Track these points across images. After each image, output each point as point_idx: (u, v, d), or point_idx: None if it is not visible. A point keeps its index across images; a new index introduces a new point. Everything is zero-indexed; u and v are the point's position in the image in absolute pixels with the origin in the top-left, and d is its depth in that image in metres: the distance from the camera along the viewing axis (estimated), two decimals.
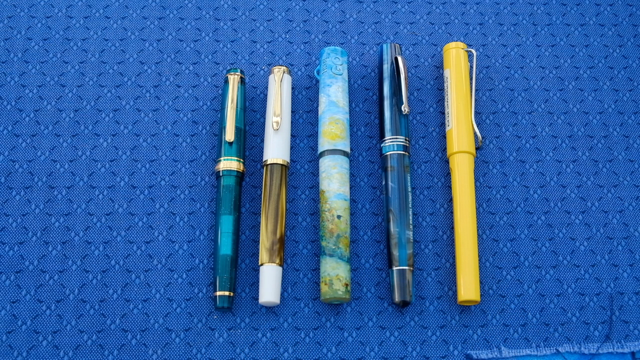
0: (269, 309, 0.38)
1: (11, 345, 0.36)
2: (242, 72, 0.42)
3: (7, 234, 0.39)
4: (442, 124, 0.44)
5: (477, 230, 0.40)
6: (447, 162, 0.42)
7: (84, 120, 0.42)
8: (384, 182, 0.40)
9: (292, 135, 0.43)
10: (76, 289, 0.38)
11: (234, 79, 0.42)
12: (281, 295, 0.38)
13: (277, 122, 0.41)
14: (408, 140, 0.41)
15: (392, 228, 0.39)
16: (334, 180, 0.39)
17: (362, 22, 0.47)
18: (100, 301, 0.37)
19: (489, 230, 0.41)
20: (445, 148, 0.43)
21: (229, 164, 0.39)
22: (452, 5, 0.48)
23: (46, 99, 0.43)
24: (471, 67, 0.45)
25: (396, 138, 0.41)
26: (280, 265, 0.37)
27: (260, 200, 0.40)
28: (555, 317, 0.39)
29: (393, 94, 0.42)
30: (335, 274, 0.37)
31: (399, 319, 0.38)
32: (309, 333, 0.37)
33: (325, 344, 0.37)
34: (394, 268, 0.38)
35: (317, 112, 0.43)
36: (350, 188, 0.41)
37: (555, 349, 0.38)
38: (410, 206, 0.39)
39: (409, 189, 0.40)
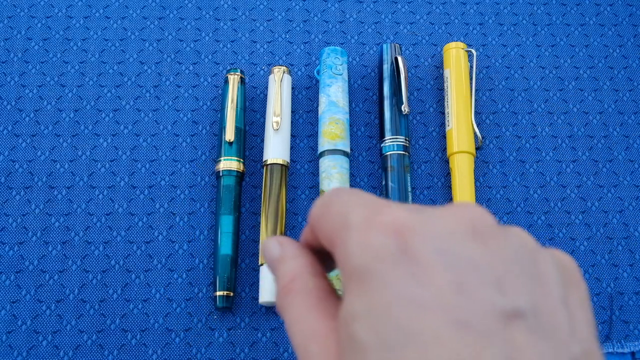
0: (269, 309, 0.38)
1: (11, 345, 0.36)
2: (242, 72, 0.42)
3: (7, 234, 0.39)
4: (442, 124, 0.44)
5: None
6: (447, 162, 0.42)
7: (84, 120, 0.42)
8: (384, 182, 0.40)
9: (292, 135, 0.43)
10: (76, 289, 0.38)
11: (234, 79, 0.42)
12: None
13: (277, 122, 0.41)
14: (408, 140, 0.41)
15: None
16: (334, 180, 0.39)
17: (362, 22, 0.47)
18: (100, 301, 0.37)
19: None
20: (445, 148, 0.43)
21: (229, 164, 0.39)
22: (452, 5, 0.48)
23: (46, 99, 0.43)
24: (471, 67, 0.45)
25: (396, 138, 0.41)
26: None
27: (260, 200, 0.40)
28: None
29: (393, 94, 0.42)
30: (335, 274, 0.37)
31: None
32: None
33: None
34: None
35: (317, 112, 0.43)
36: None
37: None
38: None
39: (409, 189, 0.40)
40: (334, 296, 0.19)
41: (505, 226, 0.17)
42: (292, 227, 0.40)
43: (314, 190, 0.41)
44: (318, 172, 0.41)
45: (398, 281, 0.15)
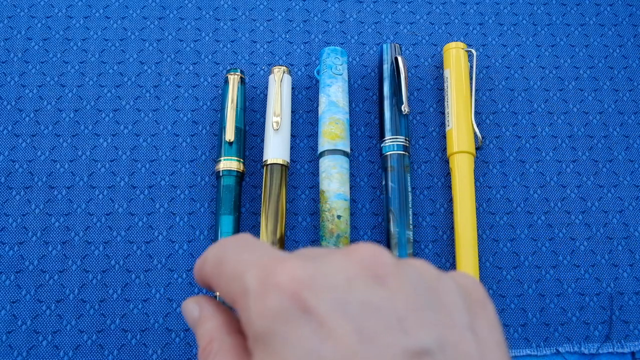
0: None
1: (11, 345, 0.36)
2: (242, 72, 0.42)
3: (7, 234, 0.39)
4: (442, 124, 0.44)
5: (477, 230, 0.40)
6: (447, 162, 0.42)
7: (84, 120, 0.42)
8: (384, 182, 0.40)
9: (292, 135, 0.43)
10: (76, 289, 0.38)
11: (234, 79, 0.42)
12: None
13: (277, 122, 0.41)
14: (408, 140, 0.41)
15: (392, 228, 0.39)
16: (334, 180, 0.39)
17: (362, 22, 0.47)
18: (100, 301, 0.37)
19: (489, 230, 0.41)
20: (445, 148, 0.43)
21: (229, 164, 0.39)
22: (452, 5, 0.48)
23: (46, 99, 0.43)
24: (471, 67, 0.45)
25: (396, 138, 0.41)
26: None
27: (260, 200, 0.40)
28: (555, 317, 0.39)
29: (393, 94, 0.42)
30: None
31: None
32: None
33: None
34: None
35: (317, 112, 0.43)
36: (350, 188, 0.41)
37: (555, 349, 0.38)
38: (410, 206, 0.39)
39: (409, 189, 0.40)
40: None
41: (404, 260, 0.17)
42: (292, 227, 0.40)
43: (314, 190, 0.41)
44: (318, 172, 0.41)
45: (301, 340, 0.15)
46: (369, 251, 0.17)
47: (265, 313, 0.16)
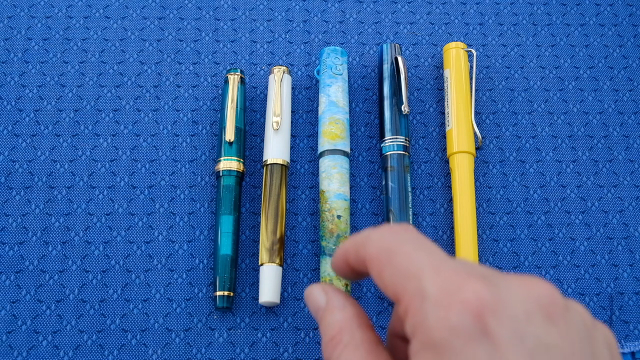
0: (269, 309, 0.38)
1: (11, 345, 0.36)
2: (242, 72, 0.42)
3: (7, 234, 0.39)
4: (442, 124, 0.44)
5: (477, 230, 0.40)
6: (447, 162, 0.42)
7: (84, 120, 0.42)
8: (384, 182, 0.40)
9: (292, 135, 0.43)
10: (76, 289, 0.38)
11: (234, 79, 0.42)
12: (281, 295, 0.38)
13: (277, 122, 0.41)
14: (408, 140, 0.41)
15: None
16: (334, 180, 0.39)
17: (362, 22, 0.47)
18: (100, 301, 0.37)
19: (489, 230, 0.41)
20: (445, 148, 0.43)
21: (229, 164, 0.39)
22: (452, 5, 0.48)
23: (46, 99, 0.43)
24: (471, 67, 0.45)
25: (396, 138, 0.41)
26: (280, 265, 0.37)
27: (260, 200, 0.40)
28: None
29: (393, 94, 0.42)
30: (335, 274, 0.37)
31: None
32: (309, 333, 0.37)
33: None
34: None
35: (317, 112, 0.43)
36: (350, 188, 0.41)
37: None
38: (410, 206, 0.39)
39: (409, 189, 0.40)
40: (382, 347, 0.20)
41: (568, 302, 0.18)
42: (292, 227, 0.40)
43: (314, 190, 0.41)
44: (318, 172, 0.41)
45: (474, 358, 0.16)
46: (546, 289, 0.18)
47: (446, 325, 0.17)
